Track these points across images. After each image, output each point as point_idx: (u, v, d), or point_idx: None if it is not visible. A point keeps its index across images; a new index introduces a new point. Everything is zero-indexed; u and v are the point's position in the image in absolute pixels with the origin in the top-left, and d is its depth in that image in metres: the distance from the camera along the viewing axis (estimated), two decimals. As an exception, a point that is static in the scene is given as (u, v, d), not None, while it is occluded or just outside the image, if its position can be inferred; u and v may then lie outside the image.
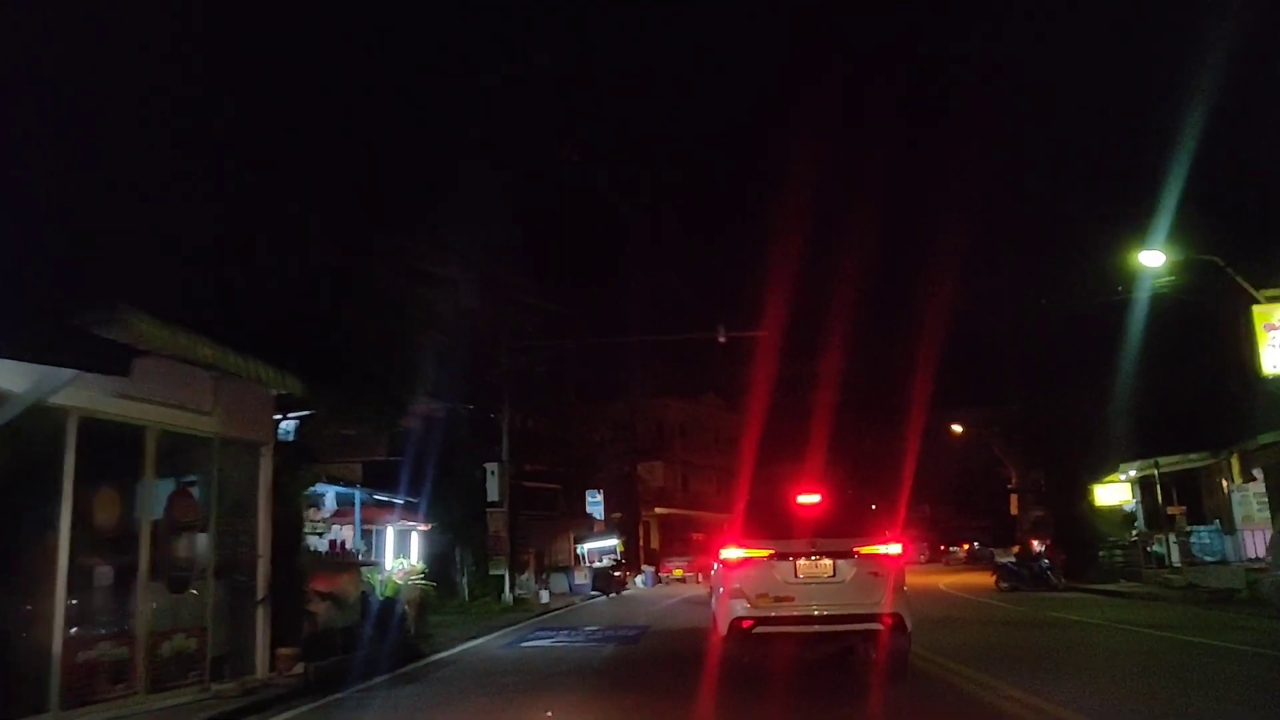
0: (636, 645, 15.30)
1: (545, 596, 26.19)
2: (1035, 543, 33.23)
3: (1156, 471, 26.02)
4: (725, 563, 9.98)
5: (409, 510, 18.39)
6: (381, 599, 14.67)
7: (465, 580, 24.46)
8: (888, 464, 69.19)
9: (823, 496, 10.51)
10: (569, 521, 34.85)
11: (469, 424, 25.16)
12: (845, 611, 9.43)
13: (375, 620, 14.26)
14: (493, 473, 24.47)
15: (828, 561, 9.51)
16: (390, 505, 18.67)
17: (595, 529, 35.96)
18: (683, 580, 41.01)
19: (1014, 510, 41.95)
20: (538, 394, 32.26)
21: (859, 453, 71.37)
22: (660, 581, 40.52)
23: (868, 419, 72.01)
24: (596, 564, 34.97)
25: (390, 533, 17.47)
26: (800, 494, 10.55)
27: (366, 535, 19.01)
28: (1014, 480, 41.20)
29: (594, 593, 32.06)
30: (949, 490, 67.35)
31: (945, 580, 37.34)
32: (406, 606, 15.30)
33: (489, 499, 24.40)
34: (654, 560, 42.31)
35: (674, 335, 25.16)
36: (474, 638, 17.16)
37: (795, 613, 9.44)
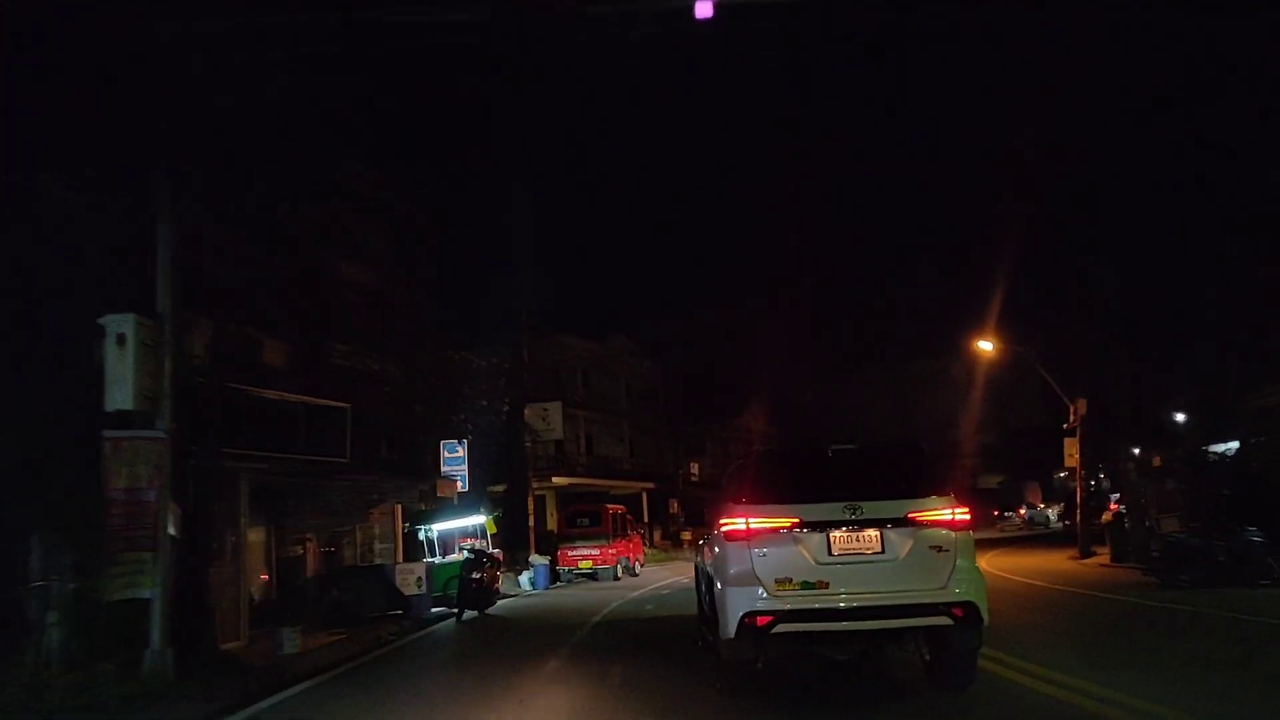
0: None
1: (289, 640, 11.23)
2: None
3: None
4: (730, 535, 7.20)
5: None
6: None
7: (57, 621, 9.43)
8: (833, 418, 59.25)
9: (859, 443, 7.95)
10: (401, 484, 19.95)
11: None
12: (900, 601, 6.82)
13: None
14: (120, 340, 9.48)
15: (873, 532, 6.99)
16: None
17: (439, 493, 20.86)
18: (593, 575, 26.69)
19: (1070, 460, 28.76)
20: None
21: (798, 405, 60.29)
22: (559, 580, 26.07)
23: (809, 368, 62.79)
24: (449, 556, 20.15)
25: None
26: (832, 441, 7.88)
27: None
28: (1075, 417, 27.85)
29: (438, 609, 17.42)
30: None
31: (987, 561, 24.04)
32: None
33: (109, 407, 9.40)
34: (551, 547, 27.56)
35: None
36: None
37: (831, 604, 6.85)
